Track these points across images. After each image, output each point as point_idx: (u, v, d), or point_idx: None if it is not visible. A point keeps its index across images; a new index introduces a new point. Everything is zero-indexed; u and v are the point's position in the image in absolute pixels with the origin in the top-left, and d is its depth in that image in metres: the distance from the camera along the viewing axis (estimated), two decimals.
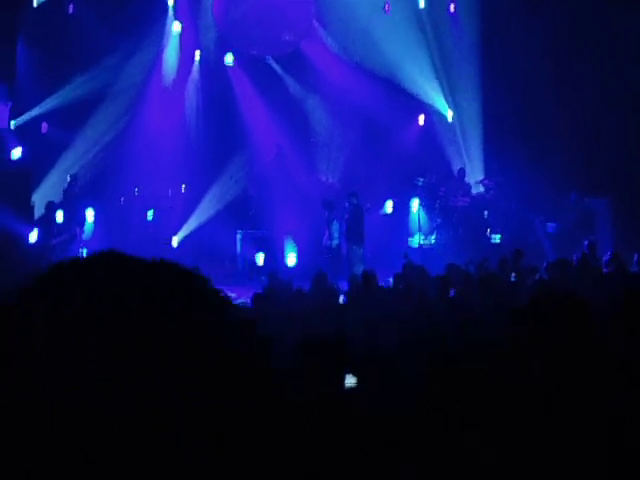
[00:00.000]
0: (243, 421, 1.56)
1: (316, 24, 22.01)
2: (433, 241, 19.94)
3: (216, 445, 1.53)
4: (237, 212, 20.82)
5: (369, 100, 21.19)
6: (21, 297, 1.58)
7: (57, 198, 19.06)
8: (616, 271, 13.07)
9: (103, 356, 1.50)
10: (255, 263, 19.62)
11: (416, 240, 20.13)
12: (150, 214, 20.67)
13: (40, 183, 20.12)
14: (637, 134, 19.34)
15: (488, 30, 20.97)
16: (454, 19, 21.92)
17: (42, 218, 18.23)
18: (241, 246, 20.15)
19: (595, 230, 19.13)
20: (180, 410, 1.50)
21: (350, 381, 5.42)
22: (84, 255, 15.16)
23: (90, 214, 19.40)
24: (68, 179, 19.63)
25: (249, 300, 12.15)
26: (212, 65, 22.12)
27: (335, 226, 18.82)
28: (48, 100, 20.59)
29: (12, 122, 19.23)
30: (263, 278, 16.40)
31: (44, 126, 20.77)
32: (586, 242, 16.29)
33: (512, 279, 13.62)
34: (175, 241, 20.64)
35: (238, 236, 20.22)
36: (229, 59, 22.05)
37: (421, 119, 22.14)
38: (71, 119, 20.63)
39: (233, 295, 15.10)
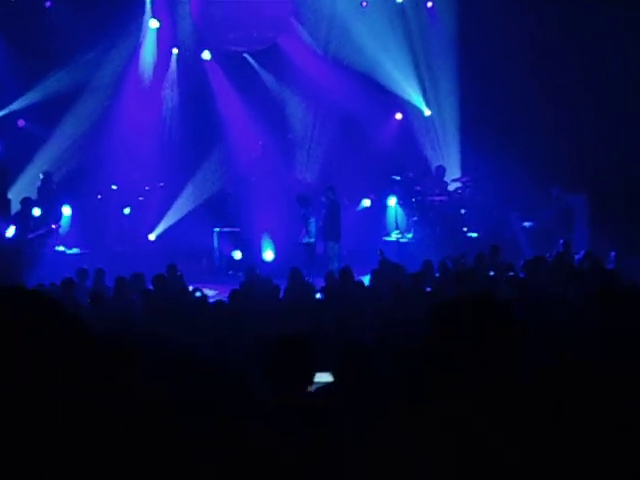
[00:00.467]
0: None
1: (293, 20, 21.97)
2: (410, 237, 19.97)
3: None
4: (214, 209, 20.78)
5: (347, 96, 21.15)
6: None
7: (33, 194, 18.95)
8: (591, 268, 13.19)
9: None
10: (232, 259, 19.61)
11: (393, 236, 20.18)
12: (127, 210, 20.57)
13: (17, 179, 20.03)
14: (617, 130, 19.33)
15: (467, 25, 20.90)
16: (432, 14, 21.94)
17: (18, 214, 18.12)
18: (218, 243, 20.12)
19: (573, 227, 19.19)
20: None
21: (321, 379, 5.44)
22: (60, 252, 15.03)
23: (67, 210, 19.31)
24: (41, 177, 19.48)
25: (226, 296, 12.15)
26: (190, 62, 22.04)
27: (312, 223, 18.72)
28: (25, 96, 20.48)
29: None
30: (240, 274, 16.40)
31: (21, 122, 20.68)
32: (562, 241, 16.44)
33: (490, 274, 13.70)
34: (152, 237, 20.57)
35: (215, 233, 20.20)
36: (207, 55, 22.00)
37: (399, 115, 22.16)
38: (48, 115, 20.52)
39: (212, 293, 15.10)
